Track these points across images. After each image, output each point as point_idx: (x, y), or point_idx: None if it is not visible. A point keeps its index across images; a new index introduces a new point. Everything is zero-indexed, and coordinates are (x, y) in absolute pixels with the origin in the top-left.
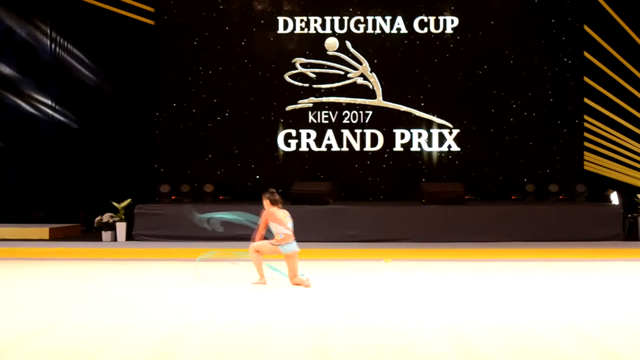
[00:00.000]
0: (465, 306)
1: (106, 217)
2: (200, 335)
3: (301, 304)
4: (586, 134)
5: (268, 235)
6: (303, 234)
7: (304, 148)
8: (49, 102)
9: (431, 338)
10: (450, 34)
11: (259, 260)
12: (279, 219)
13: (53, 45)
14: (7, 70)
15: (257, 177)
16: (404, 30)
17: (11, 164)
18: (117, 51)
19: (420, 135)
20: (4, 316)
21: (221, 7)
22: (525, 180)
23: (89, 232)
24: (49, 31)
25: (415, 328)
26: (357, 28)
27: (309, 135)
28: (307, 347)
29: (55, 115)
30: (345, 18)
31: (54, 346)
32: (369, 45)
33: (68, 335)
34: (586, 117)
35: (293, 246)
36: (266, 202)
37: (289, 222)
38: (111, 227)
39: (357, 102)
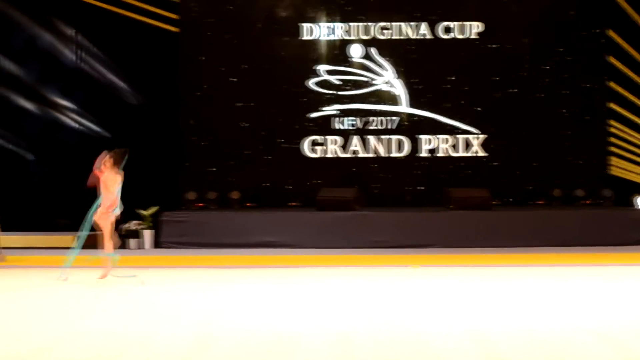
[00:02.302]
0: (493, 312)
1: (133, 225)
2: (224, 345)
3: (327, 311)
4: (612, 139)
5: None
6: (329, 240)
7: (329, 154)
8: (73, 108)
9: (459, 345)
10: (475, 39)
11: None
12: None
13: (78, 52)
14: (31, 77)
15: (283, 184)
16: (428, 36)
17: (36, 170)
18: (142, 58)
19: (446, 141)
20: (27, 325)
21: (245, 14)
22: (552, 184)
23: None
24: (74, 38)
25: (443, 335)
26: (382, 34)
27: (334, 142)
28: (333, 356)
29: (81, 120)
30: (370, 24)
31: (75, 355)
32: (393, 51)
33: (90, 343)
34: (612, 122)
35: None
36: (111, 161)
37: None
38: (138, 234)
39: (382, 109)
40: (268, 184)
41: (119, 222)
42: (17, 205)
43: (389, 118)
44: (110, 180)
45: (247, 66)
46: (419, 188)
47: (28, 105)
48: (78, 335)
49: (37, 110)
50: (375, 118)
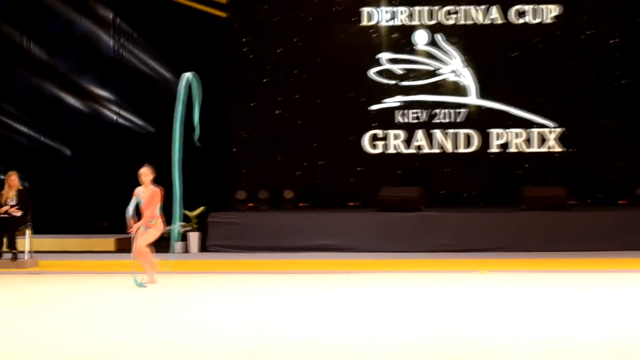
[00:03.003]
0: (568, 323)
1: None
2: (280, 355)
3: (387, 320)
4: None
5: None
6: (391, 243)
7: (391, 150)
8: (113, 99)
9: (530, 357)
10: (551, 24)
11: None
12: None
13: (117, 38)
14: (67, 66)
15: (341, 182)
16: (500, 21)
17: (73, 167)
18: (187, 45)
19: (518, 135)
20: (68, 334)
21: None
22: (635, 183)
23: (159, 243)
24: (113, 23)
25: (513, 346)
26: (449, 19)
27: (397, 136)
28: None
29: (121, 112)
30: (435, 8)
31: None
32: (461, 37)
33: (135, 355)
34: None
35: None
36: (151, 177)
37: None
38: (183, 237)
39: (449, 100)
40: (324, 182)
41: None
42: (51, 205)
43: (456, 110)
44: (158, 197)
45: (302, 54)
46: (488, 186)
47: (64, 96)
48: (123, 345)
49: (74, 101)
50: (441, 110)
